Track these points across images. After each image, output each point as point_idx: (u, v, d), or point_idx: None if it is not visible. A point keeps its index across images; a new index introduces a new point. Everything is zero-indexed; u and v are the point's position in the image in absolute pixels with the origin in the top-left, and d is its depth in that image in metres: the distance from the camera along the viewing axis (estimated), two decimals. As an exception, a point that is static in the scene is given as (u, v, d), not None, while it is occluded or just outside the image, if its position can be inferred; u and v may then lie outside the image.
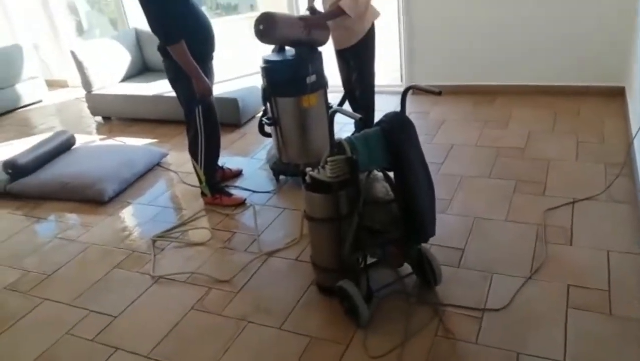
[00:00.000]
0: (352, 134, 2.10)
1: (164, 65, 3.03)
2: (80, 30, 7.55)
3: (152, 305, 2.44)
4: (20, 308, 2.52)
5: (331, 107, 3.39)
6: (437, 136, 3.79)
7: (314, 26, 3.08)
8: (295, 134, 3.22)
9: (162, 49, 2.93)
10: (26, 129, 5.19)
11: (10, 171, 3.68)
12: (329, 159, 2.02)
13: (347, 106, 3.51)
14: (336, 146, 2.03)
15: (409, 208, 2.10)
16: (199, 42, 2.96)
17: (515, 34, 4.16)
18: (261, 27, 2.97)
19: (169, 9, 2.77)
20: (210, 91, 3.00)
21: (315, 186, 2.12)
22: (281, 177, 3.43)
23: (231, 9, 9.88)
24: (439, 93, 1.95)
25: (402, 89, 2.16)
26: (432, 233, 2.20)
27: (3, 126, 5.39)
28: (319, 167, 2.14)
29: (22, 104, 5.85)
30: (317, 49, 3.20)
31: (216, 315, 2.32)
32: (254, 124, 4.27)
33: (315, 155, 3.14)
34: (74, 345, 2.23)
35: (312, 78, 3.08)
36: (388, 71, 5.34)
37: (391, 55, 4.99)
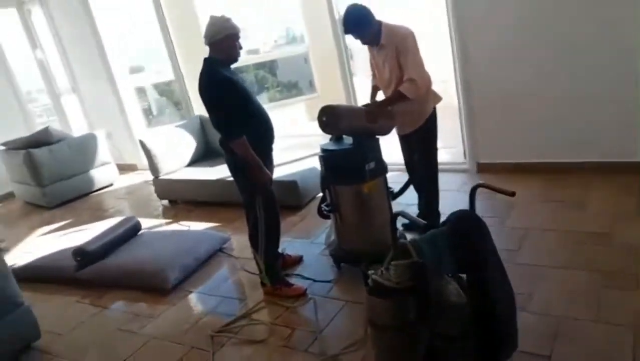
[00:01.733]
0: (417, 231, 1.97)
1: (225, 158, 3.09)
2: (149, 114, 8.07)
3: (209, 412, 2.31)
4: (79, 410, 2.47)
5: (392, 191, 3.31)
6: (509, 219, 3.55)
7: (379, 116, 3.09)
8: (355, 221, 3.13)
9: (223, 144, 2.99)
10: (99, 213, 5.42)
11: (79, 258, 3.79)
12: (392, 263, 1.90)
13: (411, 191, 3.41)
14: (400, 249, 1.91)
15: (488, 316, 1.90)
16: (260, 136, 3.00)
17: (589, 106, 3.91)
18: (324, 119, 2.99)
19: (231, 108, 2.84)
20: (271, 180, 3.01)
21: (379, 290, 1.99)
22: (342, 264, 3.31)
23: (292, 86, 10.29)
24: (513, 194, 1.81)
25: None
26: (516, 346, 1.98)
27: (78, 209, 5.67)
28: (382, 269, 2.01)
29: (95, 188, 6.17)
30: (374, 137, 3.15)
31: None
32: (315, 205, 4.22)
33: (376, 242, 3.01)
34: None
35: (371, 165, 3.01)
36: (448, 144, 5.24)
37: (452, 131, 4.87)
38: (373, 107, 3.19)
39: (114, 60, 6.52)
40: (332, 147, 3.12)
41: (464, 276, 2.01)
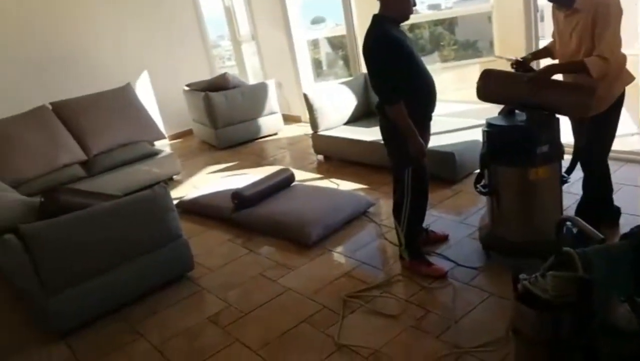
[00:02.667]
0: (586, 242, 1.65)
1: (379, 123, 2.96)
2: (318, 67, 8.21)
3: (328, 378, 2.32)
4: (215, 343, 2.67)
5: (565, 180, 2.88)
6: None
7: (541, 84, 2.62)
8: (515, 209, 2.80)
9: (379, 108, 2.86)
10: (260, 159, 5.76)
11: (236, 201, 4.06)
12: (551, 273, 1.62)
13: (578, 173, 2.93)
14: (564, 257, 1.61)
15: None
16: (419, 102, 2.81)
17: None
18: (478, 82, 2.71)
19: (392, 69, 2.68)
20: (424, 153, 2.81)
21: (530, 298, 1.72)
22: (492, 253, 3.01)
23: (469, 46, 9.58)
24: None
25: None
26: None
27: (242, 153, 6.08)
28: (537, 275, 1.74)
29: (261, 135, 6.54)
30: (553, 115, 2.72)
31: (392, 411, 2.07)
32: (471, 181, 3.91)
33: (536, 235, 2.67)
34: (249, 401, 2.24)
35: (543, 148, 2.62)
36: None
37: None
38: (538, 73, 2.69)
39: (295, 9, 6.63)
40: (499, 122, 2.79)
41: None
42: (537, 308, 1.70)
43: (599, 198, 3.03)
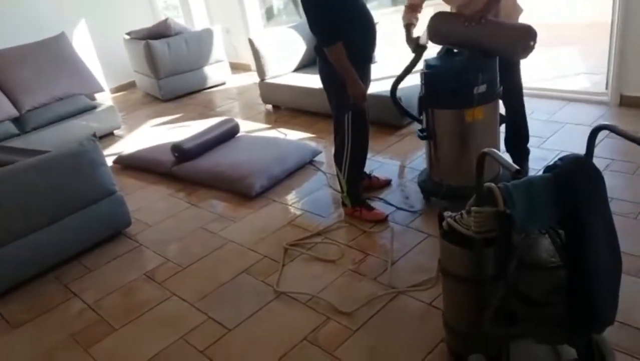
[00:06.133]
0: (514, 176, 1.61)
1: (318, 65, 2.85)
2: (270, 15, 7.86)
3: (266, 325, 2.30)
4: (151, 298, 2.60)
5: (503, 119, 2.88)
6: (643, 167, 2.95)
7: (477, 18, 2.56)
8: (452, 152, 2.78)
9: (318, 49, 2.74)
10: (206, 110, 5.56)
11: (176, 154, 3.91)
12: (473, 209, 1.59)
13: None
14: (485, 193, 1.58)
15: (581, 284, 1.56)
16: (359, 43, 2.69)
17: None
18: (428, 24, 2.66)
19: (329, 7, 2.54)
20: (364, 96, 2.73)
21: (455, 236, 1.71)
22: (432, 199, 3.01)
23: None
24: (646, 144, 1.37)
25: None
26: (611, 322, 1.63)
27: (188, 105, 5.85)
28: (462, 212, 1.72)
29: (207, 86, 6.29)
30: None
31: (327, 353, 2.07)
32: (417, 126, 3.89)
33: (473, 178, 2.65)
34: (184, 353, 2.20)
35: (481, 88, 2.58)
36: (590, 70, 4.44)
37: (597, 55, 4.07)
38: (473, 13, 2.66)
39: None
40: (436, 62, 2.71)
41: (562, 233, 1.66)
42: (461, 245, 1.68)
43: (520, 134, 3.06)
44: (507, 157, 2.26)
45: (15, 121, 4.67)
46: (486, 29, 2.56)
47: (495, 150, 1.54)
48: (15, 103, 4.70)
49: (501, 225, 1.55)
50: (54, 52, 5.08)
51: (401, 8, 3.02)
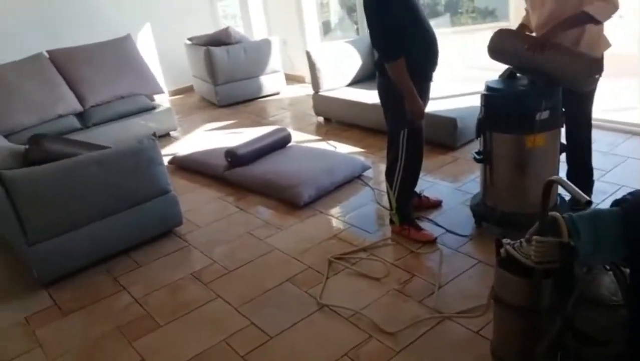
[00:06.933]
0: (573, 207, 1.56)
1: (377, 81, 2.85)
2: (327, 29, 7.95)
3: (308, 336, 2.29)
4: (197, 298, 2.64)
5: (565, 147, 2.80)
6: None
7: (543, 46, 2.47)
8: (508, 177, 2.70)
9: (378, 65, 2.75)
10: (259, 119, 5.65)
11: (229, 159, 3.98)
12: (535, 238, 1.54)
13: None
14: (549, 223, 1.53)
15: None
16: (420, 60, 2.68)
17: None
18: (491, 40, 2.64)
19: (392, 24, 2.54)
20: (422, 114, 2.71)
21: (512, 264, 1.66)
22: (483, 223, 2.93)
23: (488, 14, 9.25)
24: None
25: None
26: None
27: (242, 112, 5.97)
28: (522, 240, 1.66)
29: (262, 94, 6.40)
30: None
31: (368, 372, 2.05)
32: (472, 148, 3.82)
33: (529, 206, 2.58)
34: (225, 356, 2.22)
35: (543, 115, 2.51)
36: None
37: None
38: (540, 35, 2.58)
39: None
40: (498, 85, 2.66)
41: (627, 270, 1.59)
42: (518, 274, 1.63)
43: (584, 166, 2.94)
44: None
45: (79, 115, 4.90)
46: (550, 56, 2.49)
47: (563, 179, 1.49)
48: (80, 99, 4.94)
49: (564, 257, 1.50)
50: (120, 52, 5.32)
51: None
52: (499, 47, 2.71)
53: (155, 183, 3.10)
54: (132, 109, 5.07)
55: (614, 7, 2.38)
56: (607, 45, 2.60)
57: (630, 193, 1.53)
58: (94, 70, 5.08)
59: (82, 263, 2.95)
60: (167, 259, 3.04)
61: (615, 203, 1.55)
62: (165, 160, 4.18)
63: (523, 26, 2.83)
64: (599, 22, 2.42)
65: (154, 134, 3.21)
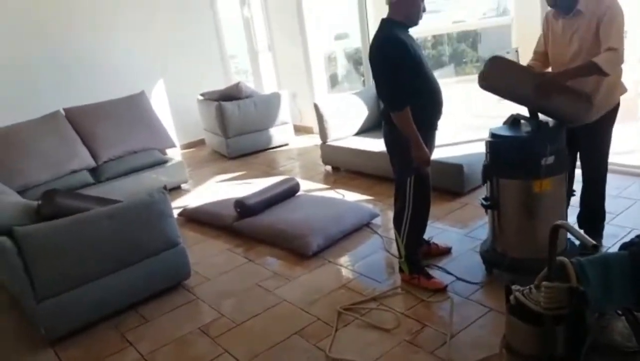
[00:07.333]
0: (583, 251, 1.54)
1: (383, 129, 2.90)
2: (334, 81, 8.16)
3: (316, 392, 2.22)
4: (204, 354, 2.59)
5: (573, 193, 2.80)
6: None
7: (552, 91, 2.51)
8: (516, 222, 2.68)
9: (384, 114, 2.81)
10: (269, 169, 5.71)
11: (238, 209, 4.01)
12: (544, 284, 1.51)
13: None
14: (558, 268, 1.51)
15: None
16: (425, 109, 2.74)
17: None
18: (485, 67, 2.61)
19: (399, 76, 2.61)
20: (428, 161, 2.73)
21: (522, 311, 1.62)
22: (494, 270, 2.89)
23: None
24: None
25: None
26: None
27: (252, 163, 6.05)
28: (531, 286, 1.63)
29: (272, 145, 6.51)
30: (562, 124, 2.62)
31: None
32: (479, 194, 3.81)
33: (539, 251, 2.54)
34: (232, 414, 2.16)
35: (549, 160, 2.51)
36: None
37: None
38: (549, 77, 2.60)
39: (315, 24, 6.63)
40: (502, 132, 2.69)
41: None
42: (529, 321, 1.59)
43: (596, 209, 2.94)
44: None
45: (92, 171, 4.99)
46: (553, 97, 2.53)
47: (568, 223, 1.48)
48: (94, 155, 5.04)
49: (573, 302, 1.46)
50: (134, 108, 5.47)
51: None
52: (491, 78, 2.63)
53: (165, 236, 3.12)
54: (145, 163, 5.16)
55: (621, 58, 2.46)
56: (624, 90, 2.67)
57: (638, 236, 1.51)
58: (109, 126, 5.21)
59: (91, 318, 2.92)
60: (174, 313, 3.01)
61: (624, 247, 1.52)
62: (176, 212, 4.23)
63: (530, 68, 2.85)
64: (605, 74, 2.46)
65: (165, 187, 3.25)
